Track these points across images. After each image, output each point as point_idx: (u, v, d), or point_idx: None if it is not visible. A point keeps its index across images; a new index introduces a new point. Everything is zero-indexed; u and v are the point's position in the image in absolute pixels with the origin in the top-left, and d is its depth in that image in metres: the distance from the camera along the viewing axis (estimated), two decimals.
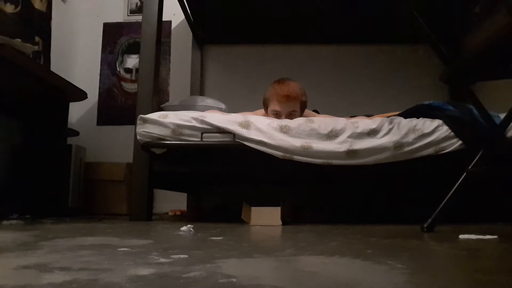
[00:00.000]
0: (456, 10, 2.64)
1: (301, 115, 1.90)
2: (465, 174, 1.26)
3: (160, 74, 2.82)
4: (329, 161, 1.63)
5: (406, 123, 1.68)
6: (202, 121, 1.69)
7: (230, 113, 1.88)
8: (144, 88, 1.89)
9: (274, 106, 1.87)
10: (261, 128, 1.66)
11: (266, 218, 1.55)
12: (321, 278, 0.54)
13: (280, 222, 1.53)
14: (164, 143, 1.70)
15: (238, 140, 1.66)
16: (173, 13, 3.22)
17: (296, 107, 1.87)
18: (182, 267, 0.61)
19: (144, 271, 0.57)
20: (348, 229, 1.35)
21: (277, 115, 1.86)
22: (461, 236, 1.03)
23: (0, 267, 0.62)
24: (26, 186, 2.11)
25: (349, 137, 1.64)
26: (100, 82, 3.34)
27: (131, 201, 1.87)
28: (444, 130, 1.65)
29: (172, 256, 0.71)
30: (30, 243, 0.91)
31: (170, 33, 3.34)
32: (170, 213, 2.78)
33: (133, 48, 3.36)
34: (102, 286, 0.48)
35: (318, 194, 2.36)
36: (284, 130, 1.66)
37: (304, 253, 0.78)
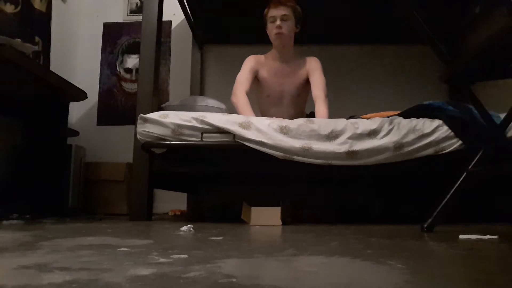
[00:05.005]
0: (456, 10, 2.64)
1: (295, 27, 2.11)
2: (465, 174, 1.26)
3: (160, 74, 2.82)
4: (329, 161, 1.63)
5: (406, 124, 1.68)
6: (202, 121, 1.69)
7: (230, 114, 1.88)
8: (144, 88, 1.89)
9: (269, 13, 2.09)
10: (261, 128, 1.66)
11: (266, 218, 1.55)
12: (321, 278, 0.54)
13: (280, 222, 1.53)
14: (164, 143, 1.70)
15: (238, 140, 1.66)
16: (173, 13, 3.22)
17: (288, 11, 2.06)
18: (182, 267, 0.61)
19: (144, 271, 0.57)
20: (348, 229, 1.35)
21: (273, 22, 2.04)
22: (461, 236, 1.03)
23: (0, 267, 0.62)
24: (26, 186, 2.11)
25: (349, 138, 1.64)
26: (100, 82, 3.34)
27: (131, 201, 1.87)
28: (444, 130, 1.64)
29: (172, 256, 0.71)
30: (30, 243, 0.90)
31: (170, 33, 3.34)
32: (170, 213, 2.78)
33: (133, 48, 3.36)
34: (102, 286, 0.48)
35: (318, 194, 2.36)
36: (284, 131, 1.66)
37: (304, 253, 0.78)
